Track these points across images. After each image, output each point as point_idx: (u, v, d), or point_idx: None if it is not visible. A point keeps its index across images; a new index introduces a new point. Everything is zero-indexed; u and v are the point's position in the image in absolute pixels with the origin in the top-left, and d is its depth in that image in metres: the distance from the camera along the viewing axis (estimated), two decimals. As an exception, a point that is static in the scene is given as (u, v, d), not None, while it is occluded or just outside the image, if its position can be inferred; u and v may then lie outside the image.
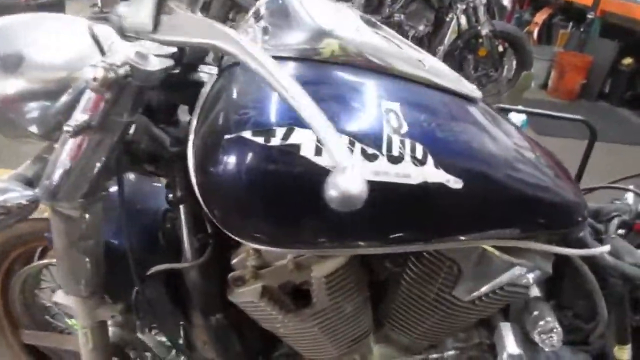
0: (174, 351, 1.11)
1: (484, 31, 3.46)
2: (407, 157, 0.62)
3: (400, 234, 0.68)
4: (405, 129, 0.62)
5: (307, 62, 0.65)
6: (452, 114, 0.69)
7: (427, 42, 3.58)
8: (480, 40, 3.51)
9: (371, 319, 0.95)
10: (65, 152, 0.69)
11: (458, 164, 0.65)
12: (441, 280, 0.85)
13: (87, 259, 0.83)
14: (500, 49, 3.70)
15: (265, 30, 0.70)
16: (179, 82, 0.79)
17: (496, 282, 0.84)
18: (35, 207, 0.71)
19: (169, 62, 0.67)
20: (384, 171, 0.61)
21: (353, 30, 0.69)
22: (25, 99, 0.73)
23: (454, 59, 3.59)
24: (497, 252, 0.80)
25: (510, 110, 1.90)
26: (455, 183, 0.64)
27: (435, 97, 0.70)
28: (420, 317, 0.91)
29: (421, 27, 3.48)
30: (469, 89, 0.78)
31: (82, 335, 0.97)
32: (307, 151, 0.58)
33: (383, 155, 0.61)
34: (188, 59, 0.77)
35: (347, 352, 0.95)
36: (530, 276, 0.85)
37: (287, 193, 0.61)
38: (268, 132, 0.59)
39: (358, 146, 0.60)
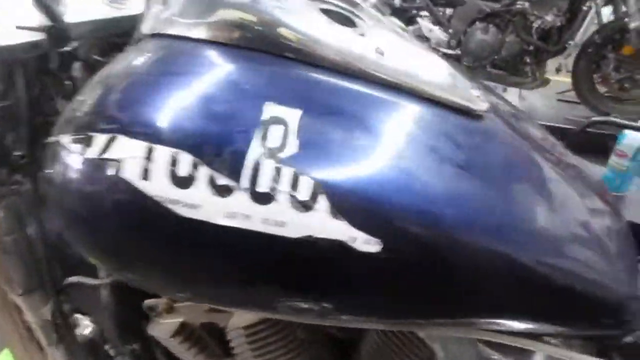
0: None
1: (634, 24, 2.82)
2: (282, 196, 0.40)
3: (295, 302, 0.46)
4: (291, 151, 0.40)
5: (186, 41, 0.46)
6: (396, 133, 0.45)
7: (556, 36, 3.04)
8: (627, 35, 2.87)
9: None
10: None
11: (378, 215, 0.41)
12: None
13: (7, 257, 0.75)
14: (654, 47, 2.99)
15: (165, 1, 0.52)
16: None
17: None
18: None
19: (37, 37, 0.53)
20: (244, 214, 0.40)
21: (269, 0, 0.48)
22: None
23: (589, 58, 3.00)
24: (482, 346, 0.54)
25: (627, 127, 1.48)
26: (366, 244, 0.40)
27: (377, 105, 0.46)
28: None
29: (549, 18, 2.95)
30: (466, 95, 0.52)
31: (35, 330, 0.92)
32: (130, 172, 0.40)
33: (240, 188, 0.40)
34: (99, 35, 0.63)
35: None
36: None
37: (112, 225, 0.43)
38: (86, 139, 0.41)
39: (204, 171, 0.39)
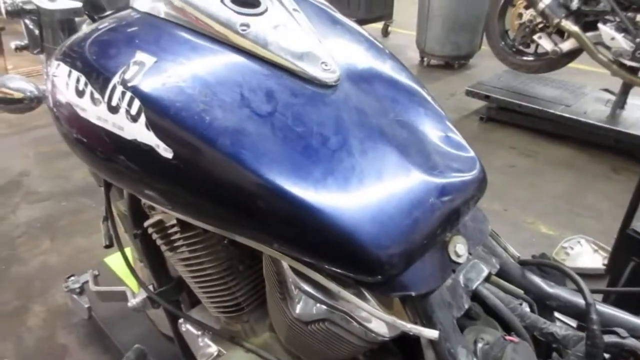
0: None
1: None
2: (123, 110, 0.61)
3: (127, 184, 0.71)
4: (135, 82, 0.61)
5: (134, 11, 0.71)
6: (218, 79, 0.61)
7: None
8: None
9: (250, 299, 0.92)
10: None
11: (173, 132, 0.59)
12: (278, 289, 0.76)
13: None
14: None
15: None
16: None
17: (304, 308, 0.70)
18: (38, 104, 1.01)
19: (76, 5, 0.83)
20: (104, 118, 0.63)
21: None
22: None
23: None
24: (285, 266, 0.67)
25: None
26: (165, 151, 0.59)
27: (218, 60, 0.63)
28: (277, 327, 0.83)
29: None
30: (311, 66, 0.65)
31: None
32: (60, 86, 0.67)
33: (103, 102, 0.62)
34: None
35: (226, 316, 0.95)
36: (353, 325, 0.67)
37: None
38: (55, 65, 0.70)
39: (89, 88, 0.64)
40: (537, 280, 0.73)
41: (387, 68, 0.74)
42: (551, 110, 3.20)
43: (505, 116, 3.47)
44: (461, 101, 3.82)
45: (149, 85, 0.61)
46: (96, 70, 0.64)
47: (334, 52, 0.69)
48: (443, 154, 0.65)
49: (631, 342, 0.62)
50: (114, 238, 1.07)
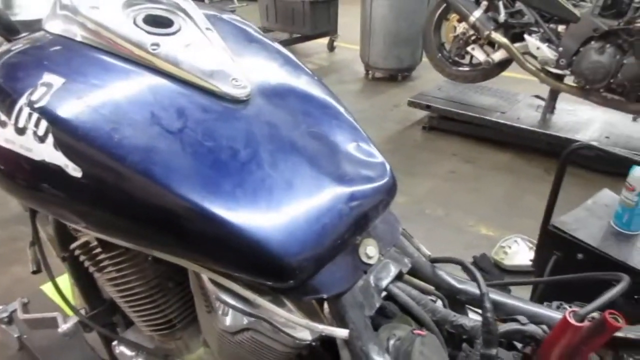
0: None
1: None
2: (30, 131, 0.61)
3: (43, 206, 0.70)
4: (42, 103, 0.61)
5: (45, 33, 0.72)
6: (127, 98, 0.62)
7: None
8: None
9: (181, 315, 0.92)
10: None
11: (82, 151, 0.59)
12: (204, 303, 0.77)
13: None
14: None
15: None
16: None
17: (228, 319, 0.71)
18: None
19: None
20: (12, 140, 0.62)
21: (89, 4, 0.69)
22: None
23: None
24: (205, 278, 0.68)
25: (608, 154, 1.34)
26: (74, 170, 0.60)
27: (130, 79, 0.64)
28: (209, 341, 0.83)
29: (676, 39, 2.55)
30: (221, 83, 0.67)
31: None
32: None
33: (10, 123, 0.62)
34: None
35: (159, 334, 0.94)
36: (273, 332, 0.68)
37: None
38: None
39: None
40: (447, 276, 0.78)
41: (301, 83, 0.77)
42: (488, 117, 3.35)
43: (446, 125, 3.61)
44: (405, 112, 3.94)
45: (56, 105, 0.61)
46: (3, 92, 0.64)
47: (247, 69, 0.72)
48: (353, 162, 0.69)
49: (531, 328, 0.67)
50: (42, 263, 1.05)
